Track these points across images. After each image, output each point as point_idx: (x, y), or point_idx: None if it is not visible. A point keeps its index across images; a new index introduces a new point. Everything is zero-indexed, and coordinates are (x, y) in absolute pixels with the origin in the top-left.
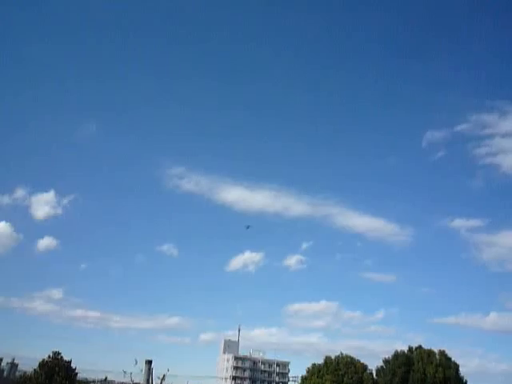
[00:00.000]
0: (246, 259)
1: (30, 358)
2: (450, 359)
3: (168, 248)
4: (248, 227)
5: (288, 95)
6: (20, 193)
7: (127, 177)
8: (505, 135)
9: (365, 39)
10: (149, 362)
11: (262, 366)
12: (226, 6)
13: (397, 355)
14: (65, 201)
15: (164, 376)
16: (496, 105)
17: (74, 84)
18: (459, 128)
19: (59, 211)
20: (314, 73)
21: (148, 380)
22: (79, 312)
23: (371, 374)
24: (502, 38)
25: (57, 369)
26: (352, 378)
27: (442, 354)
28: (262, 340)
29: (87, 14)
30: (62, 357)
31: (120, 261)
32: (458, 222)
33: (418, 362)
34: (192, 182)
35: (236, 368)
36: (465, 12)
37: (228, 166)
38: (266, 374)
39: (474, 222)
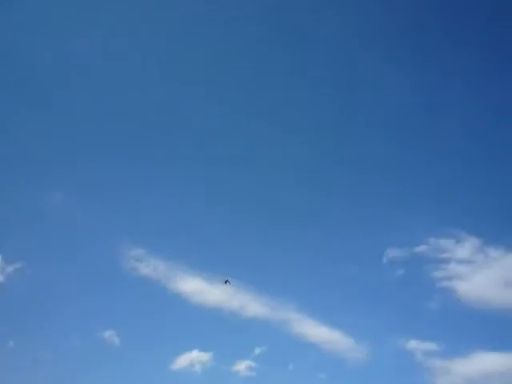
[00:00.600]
0: (194, 358)
1: None
2: None
3: (110, 335)
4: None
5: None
6: None
7: (84, 253)
8: (460, 261)
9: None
10: None
11: None
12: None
13: None
14: (10, 268)
15: None
16: (453, 232)
17: (41, 150)
18: (418, 249)
19: (1, 279)
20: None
21: None
22: None
23: None
24: (468, 165)
25: None
26: None
27: None
28: None
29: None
30: None
31: (52, 343)
32: (414, 344)
33: None
34: (150, 267)
35: None
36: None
37: (190, 255)
38: None
39: (429, 346)
